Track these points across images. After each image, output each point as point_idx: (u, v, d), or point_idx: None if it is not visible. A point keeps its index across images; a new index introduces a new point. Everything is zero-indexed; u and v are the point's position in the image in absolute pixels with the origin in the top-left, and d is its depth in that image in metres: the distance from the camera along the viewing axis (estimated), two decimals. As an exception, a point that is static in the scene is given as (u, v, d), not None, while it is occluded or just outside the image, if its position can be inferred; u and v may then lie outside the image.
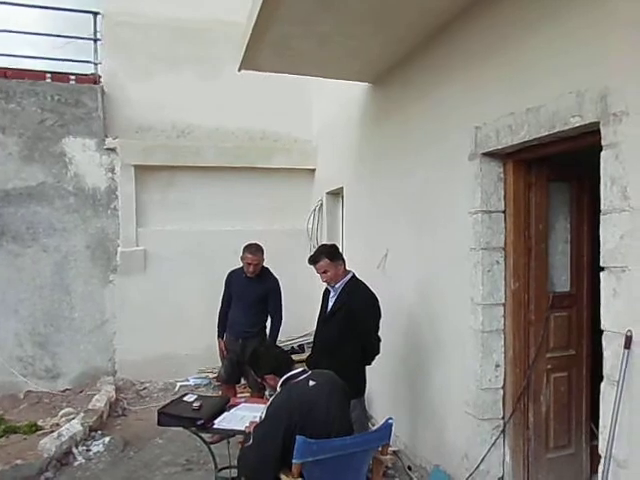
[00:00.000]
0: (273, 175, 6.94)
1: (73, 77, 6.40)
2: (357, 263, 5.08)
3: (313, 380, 2.73)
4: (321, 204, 6.81)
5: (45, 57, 6.53)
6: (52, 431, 4.70)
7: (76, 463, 4.31)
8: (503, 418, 3.40)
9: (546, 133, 2.74)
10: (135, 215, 6.42)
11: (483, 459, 3.37)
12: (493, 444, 3.38)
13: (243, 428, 3.05)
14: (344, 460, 2.56)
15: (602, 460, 2.33)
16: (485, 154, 3.32)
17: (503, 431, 3.39)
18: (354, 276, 3.72)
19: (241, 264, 4.72)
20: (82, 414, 4.96)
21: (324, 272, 3.61)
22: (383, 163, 4.84)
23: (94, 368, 6.32)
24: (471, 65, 3.45)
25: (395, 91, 4.59)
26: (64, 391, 6.14)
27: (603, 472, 2.29)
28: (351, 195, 5.80)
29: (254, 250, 4.61)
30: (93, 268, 6.30)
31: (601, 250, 2.42)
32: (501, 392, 3.40)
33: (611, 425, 2.29)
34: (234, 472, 3.33)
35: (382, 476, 3.90)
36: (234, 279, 4.81)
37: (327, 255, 3.62)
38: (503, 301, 3.38)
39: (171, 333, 6.41)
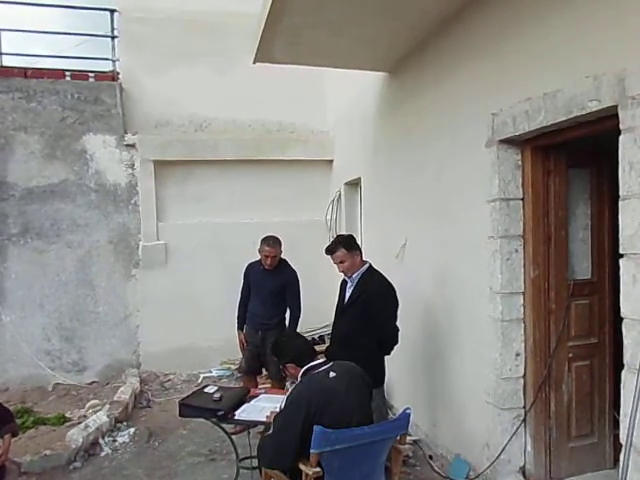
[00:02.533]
0: (290, 167, 6.94)
1: (92, 75, 6.46)
2: (375, 253, 5.08)
3: (334, 371, 2.74)
4: (339, 195, 6.80)
5: (64, 56, 6.63)
6: (79, 422, 4.80)
7: (103, 453, 4.41)
8: (524, 407, 3.38)
9: (563, 118, 2.70)
10: (155, 210, 6.49)
11: (504, 448, 3.35)
12: (514, 433, 3.36)
13: (263, 419, 3.09)
14: (363, 449, 2.58)
15: (623, 449, 2.31)
16: (502, 141, 3.28)
17: (524, 420, 3.38)
18: (371, 266, 3.71)
19: (259, 256, 4.74)
20: (108, 406, 5.06)
21: (341, 262, 3.61)
22: (399, 152, 4.81)
23: (119, 361, 6.43)
24: (486, 51, 3.40)
25: (410, 79, 4.55)
26: (91, 383, 6.26)
27: (623, 461, 2.26)
28: (368, 185, 5.78)
29: (271, 242, 4.62)
30: (115, 263, 6.41)
31: (620, 236, 2.38)
32: (522, 381, 3.38)
33: (632, 413, 2.25)
34: (255, 462, 3.37)
35: (402, 465, 3.94)
36: (252, 271, 4.84)
37: (344, 245, 3.62)
38: (522, 290, 3.35)
39: (193, 325, 6.49)
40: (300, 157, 6.95)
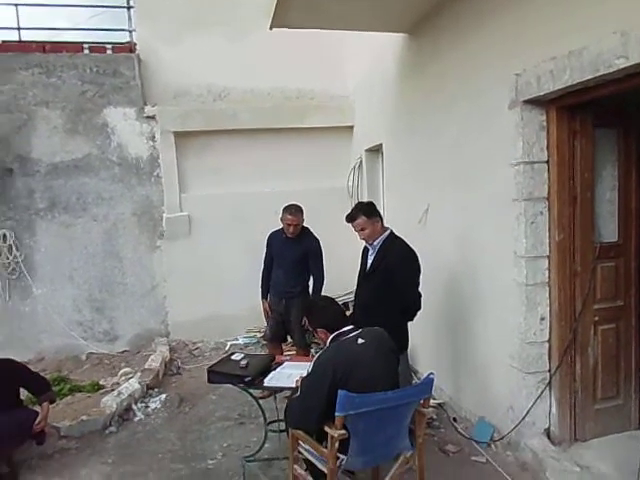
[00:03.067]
0: (311, 134, 6.88)
1: (110, 47, 6.45)
2: (398, 219, 5.07)
3: (362, 338, 2.76)
4: (360, 161, 6.74)
5: (81, 28, 6.61)
6: (113, 390, 4.98)
7: (136, 419, 4.57)
8: (549, 371, 3.40)
9: (590, 77, 2.62)
10: (177, 181, 6.52)
11: (529, 411, 3.39)
12: (539, 397, 3.38)
13: (291, 385, 3.13)
14: (387, 413, 2.62)
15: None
16: (526, 102, 3.21)
17: (549, 384, 3.39)
18: (392, 233, 3.69)
19: (281, 225, 4.76)
20: (139, 373, 5.22)
21: (362, 229, 3.60)
22: (420, 116, 4.73)
23: (148, 330, 6.60)
24: (509, 9, 3.29)
25: (429, 41, 4.44)
26: (122, 352, 6.46)
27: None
28: (390, 151, 5.72)
29: (294, 211, 4.63)
30: (140, 235, 6.50)
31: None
32: (547, 345, 3.38)
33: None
34: (282, 425, 3.47)
35: (426, 427, 4.00)
36: (274, 240, 4.87)
37: (364, 212, 3.60)
38: (547, 253, 3.32)
39: (218, 294, 6.59)
40: (320, 124, 6.86)
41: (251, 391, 3.55)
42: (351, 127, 7.02)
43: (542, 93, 3.01)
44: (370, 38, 5.36)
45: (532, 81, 3.06)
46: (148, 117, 6.38)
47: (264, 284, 4.96)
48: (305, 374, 2.84)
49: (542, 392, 3.39)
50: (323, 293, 4.93)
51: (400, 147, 5.34)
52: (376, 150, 6.36)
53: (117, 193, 6.38)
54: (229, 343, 6.58)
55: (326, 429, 2.59)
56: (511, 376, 3.50)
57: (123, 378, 5.45)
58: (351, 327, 2.87)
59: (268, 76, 6.71)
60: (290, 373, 3.28)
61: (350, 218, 3.63)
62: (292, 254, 4.70)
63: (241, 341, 6.60)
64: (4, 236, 6.04)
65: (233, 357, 3.50)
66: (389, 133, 5.63)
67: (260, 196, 6.63)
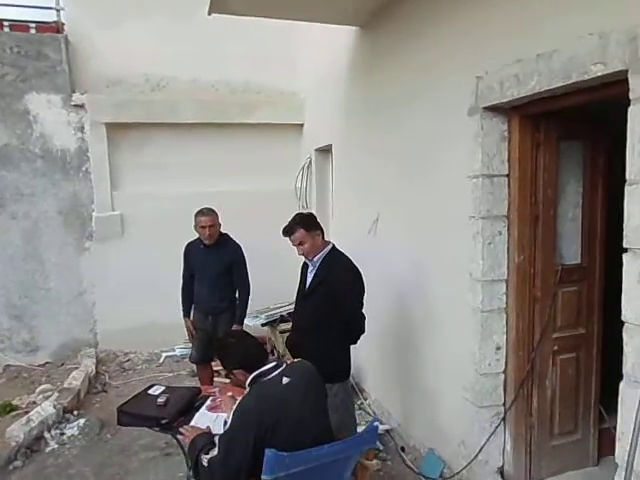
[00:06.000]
0: (258, 131, 6.43)
1: (33, 25, 5.80)
2: (348, 226, 4.70)
3: (287, 377, 2.36)
4: (310, 161, 6.34)
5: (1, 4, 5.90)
6: (27, 411, 4.42)
7: (48, 449, 4.03)
8: (504, 405, 3.09)
9: (560, 84, 2.29)
10: (109, 177, 5.95)
11: (482, 449, 3.08)
12: (493, 433, 3.08)
13: (220, 430, 2.64)
14: (323, 468, 2.25)
15: (621, 471, 2.01)
16: (487, 108, 2.87)
17: (504, 419, 3.09)
18: (334, 247, 3.27)
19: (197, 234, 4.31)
20: (56, 394, 4.66)
21: (300, 244, 3.17)
22: (374, 117, 4.35)
23: (75, 340, 6.01)
24: (472, 2, 2.94)
25: (385, 35, 4.06)
26: (44, 364, 5.86)
27: (623, 490, 1.96)
28: (340, 152, 5.33)
29: (206, 211, 4.20)
30: (66, 235, 5.89)
31: (624, 227, 2.02)
32: (502, 377, 3.08)
33: (634, 434, 1.94)
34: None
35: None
36: (192, 251, 4.39)
37: (303, 225, 3.17)
38: (506, 277, 3.01)
39: (154, 301, 6.00)
40: (268, 120, 6.42)
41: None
42: (301, 125, 6.61)
43: (505, 100, 2.68)
44: (324, 32, 4.96)
45: (495, 85, 2.72)
46: (76, 106, 5.77)
47: (185, 301, 4.46)
48: (223, 426, 2.41)
49: (496, 428, 3.08)
50: (270, 301, 4.50)
51: (351, 149, 4.96)
52: (327, 150, 5.97)
53: (39, 189, 5.75)
54: (164, 354, 6.09)
55: (251, 492, 2.18)
56: (464, 409, 3.18)
57: (41, 396, 4.89)
58: (272, 365, 2.43)
59: (212, 66, 6.21)
60: (216, 415, 2.79)
61: (287, 232, 3.19)
62: (214, 265, 4.23)
63: (178, 352, 6.10)
64: None
65: (150, 391, 3.00)
66: (340, 133, 5.23)
67: (201, 196, 5.94)
